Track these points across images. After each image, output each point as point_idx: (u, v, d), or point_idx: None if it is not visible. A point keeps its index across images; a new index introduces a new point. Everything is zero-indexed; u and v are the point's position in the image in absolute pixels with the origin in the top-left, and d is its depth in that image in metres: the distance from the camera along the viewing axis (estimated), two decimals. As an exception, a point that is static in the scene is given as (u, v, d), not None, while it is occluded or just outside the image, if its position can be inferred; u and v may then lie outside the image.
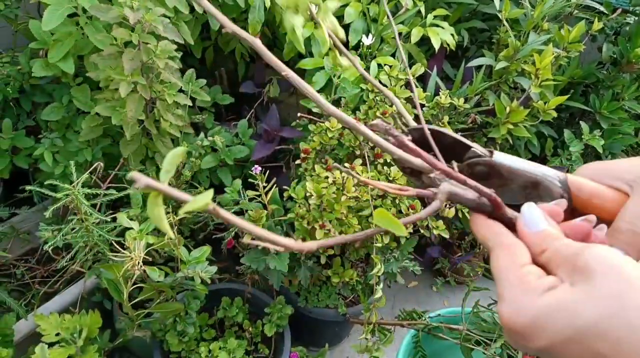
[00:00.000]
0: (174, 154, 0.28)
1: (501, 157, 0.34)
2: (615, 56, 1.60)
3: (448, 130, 0.35)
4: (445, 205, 1.15)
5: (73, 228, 0.86)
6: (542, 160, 1.60)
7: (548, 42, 1.34)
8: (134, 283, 0.89)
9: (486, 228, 0.31)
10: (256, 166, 0.98)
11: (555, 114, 1.33)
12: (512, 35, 1.34)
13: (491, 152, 0.34)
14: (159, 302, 0.93)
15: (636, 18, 1.56)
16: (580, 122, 1.51)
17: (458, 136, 0.35)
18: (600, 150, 1.48)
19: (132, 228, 0.85)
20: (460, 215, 1.20)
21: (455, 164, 0.34)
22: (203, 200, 0.24)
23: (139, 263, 0.81)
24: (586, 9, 1.56)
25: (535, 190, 0.34)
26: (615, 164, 0.35)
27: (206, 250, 0.97)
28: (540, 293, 0.27)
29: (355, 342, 1.09)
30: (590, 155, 1.65)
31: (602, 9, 1.53)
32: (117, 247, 0.83)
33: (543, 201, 0.33)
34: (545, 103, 1.32)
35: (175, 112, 1.08)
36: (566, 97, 1.35)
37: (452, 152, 0.34)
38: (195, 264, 0.90)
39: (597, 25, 1.43)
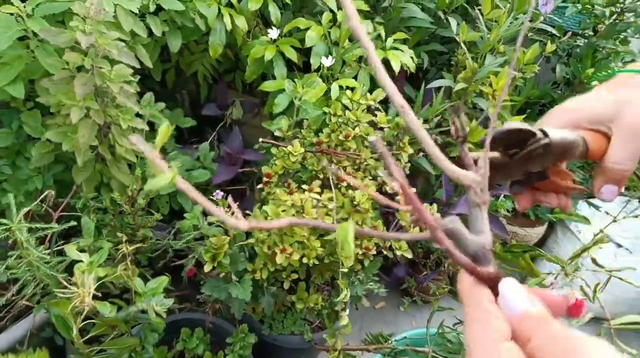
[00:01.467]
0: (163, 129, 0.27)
1: (553, 134, 0.38)
2: (568, 76, 1.67)
3: (518, 124, 0.39)
4: (410, 225, 1.15)
5: (19, 262, 0.81)
6: (502, 178, 1.63)
7: (504, 64, 1.39)
8: (86, 318, 0.84)
9: (465, 287, 0.28)
10: (218, 191, 0.96)
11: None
12: (470, 58, 1.38)
13: (545, 134, 0.38)
14: (112, 337, 0.88)
15: (585, 40, 1.63)
16: (537, 140, 1.56)
17: (520, 125, 0.39)
18: (557, 168, 1.52)
19: (81, 260, 0.81)
20: (424, 235, 1.21)
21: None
22: (167, 175, 0.23)
23: (88, 298, 0.77)
24: (540, 32, 1.62)
25: (563, 156, 0.40)
26: (589, 107, 0.42)
27: (163, 280, 0.93)
28: None
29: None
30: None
31: (554, 31, 1.59)
32: (64, 282, 0.79)
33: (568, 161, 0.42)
34: (502, 123, 1.35)
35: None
36: (522, 116, 1.39)
37: (517, 140, 0.38)
38: (151, 296, 0.86)
39: (550, 47, 1.48)
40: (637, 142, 0.41)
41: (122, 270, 0.85)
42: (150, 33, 1.12)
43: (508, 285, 0.27)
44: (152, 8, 1.05)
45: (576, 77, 1.64)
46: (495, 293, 0.27)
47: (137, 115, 1.12)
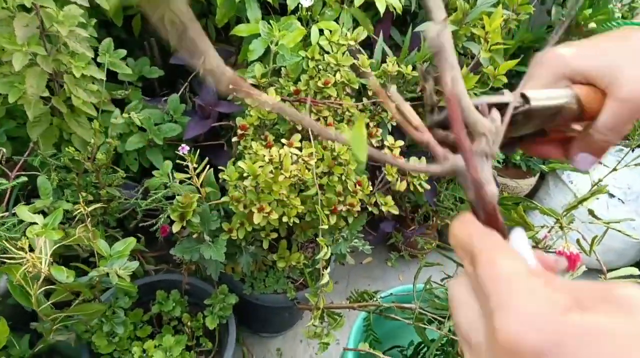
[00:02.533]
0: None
1: (535, 101, 0.33)
2: (564, 19, 1.57)
3: (488, 98, 0.31)
4: (397, 179, 1.09)
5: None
6: (493, 128, 1.56)
7: (497, 4, 1.28)
8: (52, 284, 0.78)
9: (476, 230, 0.24)
10: (183, 146, 0.87)
11: (505, 80, 1.28)
12: (461, -2, 1.27)
13: (525, 98, 0.33)
14: (77, 303, 0.82)
15: (584, -21, 1.52)
16: (531, 87, 1.48)
17: (492, 98, 0.31)
18: (551, 116, 1.45)
19: (35, 223, 0.74)
20: (411, 188, 1.15)
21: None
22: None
23: (42, 263, 0.70)
24: (535, -30, 1.50)
25: (557, 116, 0.35)
26: (585, 59, 0.36)
27: (131, 241, 0.86)
28: (565, 310, 0.20)
29: (309, 322, 1.03)
30: (540, 121, 1.63)
31: (550, -31, 1.48)
32: (8, 245, 0.72)
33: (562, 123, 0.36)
34: (495, 68, 1.26)
35: (88, 88, 0.94)
36: (516, 61, 1.30)
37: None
38: (116, 259, 0.80)
39: (547, -15, 1.38)
40: (628, 112, 0.35)
41: (82, 233, 0.78)
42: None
43: (521, 235, 0.25)
44: (103, -61, 0.92)
45: (572, 19, 1.54)
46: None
47: (97, 64, 1.02)
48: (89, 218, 0.79)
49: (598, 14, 1.50)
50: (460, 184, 0.26)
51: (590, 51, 0.37)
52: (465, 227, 0.25)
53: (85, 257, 0.99)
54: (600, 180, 0.87)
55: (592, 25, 1.54)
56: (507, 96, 0.32)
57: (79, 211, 0.79)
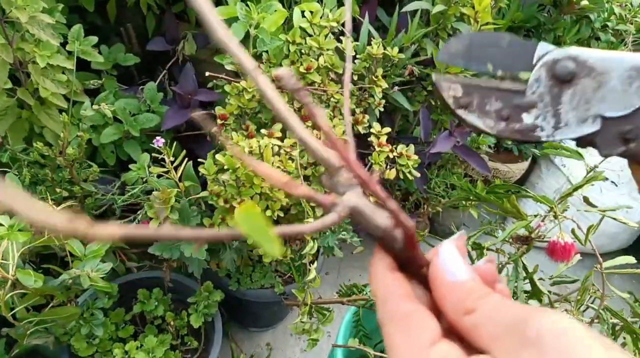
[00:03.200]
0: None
1: (579, 50, 0.24)
2: (556, -3, 1.52)
3: (494, 32, 0.26)
4: (386, 166, 1.05)
5: None
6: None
7: (488, -18, 1.23)
8: (23, 287, 0.74)
9: (380, 284, 0.23)
10: (158, 138, 0.82)
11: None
12: (450, -24, 1.22)
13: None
14: (51, 306, 0.78)
15: (577, -45, 1.47)
16: (523, 69, 1.44)
17: (512, 36, 0.25)
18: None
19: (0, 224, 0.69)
20: (401, 175, 1.11)
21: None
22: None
23: (12, 267, 0.66)
24: (526, -54, 1.45)
25: None
26: None
27: (107, 240, 0.82)
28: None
29: (297, 318, 1.00)
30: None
31: (542, -55, 1.43)
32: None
33: None
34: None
35: (56, 78, 0.89)
36: (507, 42, 1.25)
37: (513, 56, 0.25)
38: (91, 260, 0.76)
39: (538, -38, 1.33)
40: None
41: (52, 234, 0.74)
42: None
43: (448, 251, 0.23)
44: None
45: (565, -3, 1.49)
46: (414, 269, 0.24)
47: (69, 53, 0.96)
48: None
49: (590, -9, 1.45)
50: (359, 225, 0.23)
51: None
52: (374, 277, 0.24)
53: (63, 256, 0.95)
54: (596, 166, 0.84)
55: (585, 2, 1.49)
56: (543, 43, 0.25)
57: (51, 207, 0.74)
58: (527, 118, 0.25)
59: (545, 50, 0.25)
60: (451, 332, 0.21)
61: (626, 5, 1.65)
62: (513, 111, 0.25)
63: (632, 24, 1.66)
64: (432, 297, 0.23)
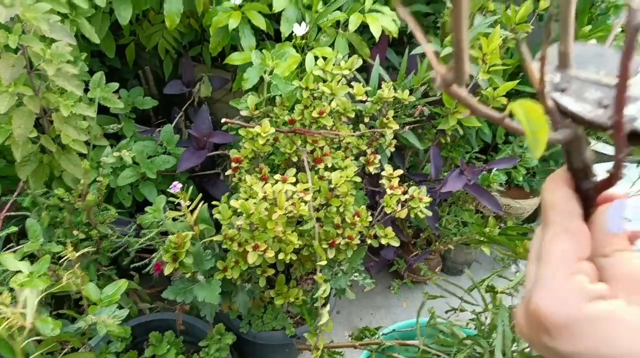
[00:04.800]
0: None
1: None
2: (563, 36, 1.55)
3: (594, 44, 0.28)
4: (398, 205, 1.05)
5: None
6: (494, 148, 1.53)
7: (495, 23, 1.26)
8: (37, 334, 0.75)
9: (561, 199, 0.27)
10: (175, 183, 0.85)
11: (505, 101, 1.25)
12: (458, 19, 1.25)
13: None
14: (65, 352, 0.79)
15: (582, -4, 1.50)
16: (532, 107, 1.45)
17: (616, 50, 0.27)
18: (553, 136, 1.42)
19: (20, 271, 0.71)
20: (412, 215, 1.12)
21: None
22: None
23: (30, 315, 0.67)
24: (532, -12, 1.49)
25: None
26: None
27: (122, 284, 0.83)
28: (591, 299, 0.25)
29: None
30: (543, 140, 1.59)
31: (548, -13, 1.46)
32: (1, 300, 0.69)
33: None
34: (494, 89, 1.24)
35: (78, 125, 0.92)
36: (516, 82, 1.27)
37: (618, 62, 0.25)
38: (106, 306, 0.77)
39: (544, 3, 1.36)
40: None
41: (69, 279, 0.75)
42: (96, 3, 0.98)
43: (616, 207, 0.27)
44: (91, -26, 0.91)
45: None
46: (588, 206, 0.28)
47: (90, 98, 1.00)
48: (77, 264, 0.76)
49: (597, 30, 1.47)
50: (570, 151, 0.26)
51: None
52: (554, 190, 0.28)
53: (77, 298, 0.96)
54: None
55: (593, 41, 1.51)
56: None
57: (66, 257, 0.76)
58: (628, 109, 0.25)
59: None
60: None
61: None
62: (614, 102, 0.25)
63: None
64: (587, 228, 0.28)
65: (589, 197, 0.27)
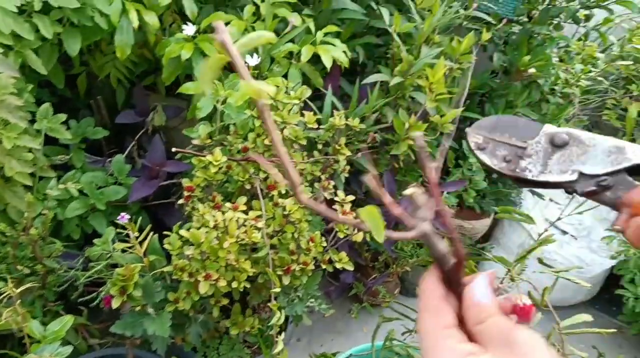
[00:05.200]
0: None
1: (577, 131, 0.35)
2: (505, 65, 1.64)
3: (516, 117, 0.36)
4: (354, 229, 1.07)
5: None
6: (444, 172, 1.59)
7: (440, 54, 1.33)
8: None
9: (428, 288, 0.32)
10: (122, 214, 0.83)
11: (452, 127, 1.31)
12: (405, 50, 1.31)
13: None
14: (6, 395, 0.75)
15: (521, 27, 1.61)
16: (479, 132, 1.52)
17: (528, 119, 0.37)
18: (499, 159, 1.49)
19: (-46, 312, 0.67)
20: (368, 238, 1.14)
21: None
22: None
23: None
24: (475, 20, 1.58)
25: (621, 154, 0.34)
26: None
27: (68, 320, 0.80)
28: (463, 356, 0.28)
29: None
30: (491, 163, 1.67)
31: (489, 19, 1.56)
32: None
33: (632, 163, 0.33)
34: (441, 116, 1.30)
35: (22, 157, 0.90)
36: (461, 109, 1.34)
37: (525, 130, 0.36)
38: (50, 343, 0.74)
39: (486, 35, 1.44)
40: None
41: (10, 316, 0.72)
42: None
43: (482, 280, 0.32)
44: (37, 6, 0.90)
45: (513, 65, 1.61)
46: (454, 289, 0.32)
47: (37, 130, 0.98)
48: (18, 301, 0.73)
49: (536, 60, 1.58)
50: (427, 245, 0.31)
51: None
52: (425, 278, 0.33)
53: (20, 337, 0.92)
54: (552, 223, 0.88)
55: (532, 70, 1.61)
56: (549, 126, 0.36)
57: (6, 293, 0.73)
58: (522, 163, 0.36)
59: (549, 128, 0.35)
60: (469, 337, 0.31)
61: (571, 70, 1.79)
62: (514, 157, 0.36)
63: (577, 87, 1.79)
64: (461, 307, 0.32)
65: (454, 278, 0.32)
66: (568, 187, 0.36)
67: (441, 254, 0.31)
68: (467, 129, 0.37)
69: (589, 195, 0.35)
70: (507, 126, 0.36)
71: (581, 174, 0.35)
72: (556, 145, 0.35)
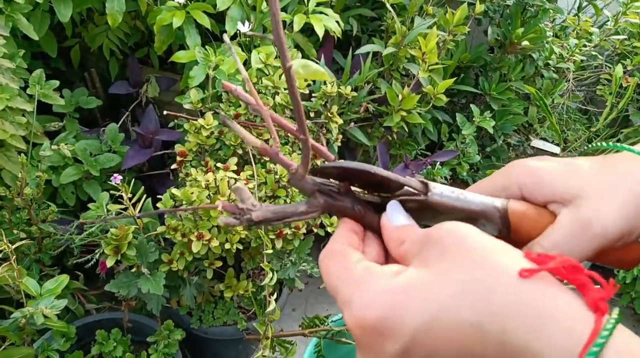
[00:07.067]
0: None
1: (436, 196, 0.31)
2: (500, 38, 1.64)
3: (375, 169, 0.30)
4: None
5: None
6: (440, 146, 1.60)
7: (433, 26, 1.33)
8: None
9: (332, 239, 0.30)
10: (116, 175, 0.84)
11: (445, 99, 1.32)
12: (398, 22, 1.31)
13: (426, 186, 0.31)
14: (4, 348, 0.76)
15: (515, 0, 1.61)
16: (471, 105, 1.53)
17: (389, 174, 0.31)
18: (492, 131, 1.50)
19: (-50, 265, 0.69)
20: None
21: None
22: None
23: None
24: (469, -7, 1.57)
25: (475, 223, 0.30)
26: (551, 178, 0.31)
27: (63, 279, 0.82)
28: (389, 278, 0.25)
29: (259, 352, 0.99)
30: (484, 137, 1.68)
31: (484, -8, 1.55)
32: None
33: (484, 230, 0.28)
34: (434, 87, 1.30)
35: (16, 120, 0.91)
36: (453, 79, 1.34)
37: (383, 186, 0.32)
38: (45, 299, 0.75)
39: (480, 7, 1.44)
40: (584, 240, 0.29)
41: (6, 272, 0.74)
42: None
43: (393, 205, 0.31)
44: (27, -31, 0.90)
45: (507, 39, 1.61)
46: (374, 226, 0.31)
47: (29, 95, 0.98)
48: (13, 256, 0.74)
49: (530, 32, 1.57)
50: (332, 212, 0.31)
51: (562, 169, 0.32)
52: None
53: (19, 299, 0.93)
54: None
55: (526, 43, 1.61)
56: (412, 181, 0.31)
57: (2, 249, 0.74)
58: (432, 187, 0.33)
59: (406, 191, 0.32)
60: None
61: (565, 45, 1.79)
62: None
63: (573, 62, 1.79)
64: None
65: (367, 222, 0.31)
66: None
67: (351, 209, 0.30)
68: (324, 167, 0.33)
69: None
70: (362, 179, 0.32)
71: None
72: (410, 209, 0.32)
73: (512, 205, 0.31)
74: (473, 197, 0.31)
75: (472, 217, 0.31)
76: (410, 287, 0.24)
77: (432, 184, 0.31)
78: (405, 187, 0.31)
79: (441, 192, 0.31)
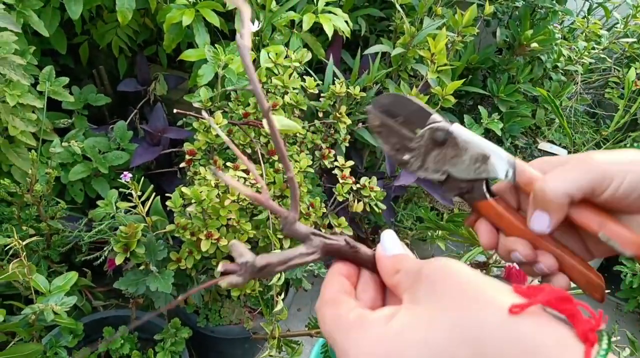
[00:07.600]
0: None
1: (458, 128, 0.36)
2: (508, 40, 1.64)
3: (413, 97, 0.37)
4: (354, 199, 1.08)
5: None
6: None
7: (442, 26, 1.33)
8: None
9: (324, 285, 0.30)
10: (125, 173, 0.84)
11: (453, 100, 1.31)
12: (407, 22, 1.31)
13: (451, 123, 0.37)
14: (13, 344, 0.77)
15: (524, 1, 1.60)
16: (479, 106, 1.52)
17: (421, 104, 0.37)
18: (500, 133, 1.49)
19: (-39, 261, 0.69)
20: (368, 208, 1.15)
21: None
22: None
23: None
24: (478, -6, 1.57)
25: (484, 164, 0.36)
26: (560, 160, 0.36)
27: (72, 276, 0.82)
28: (383, 324, 0.25)
29: (266, 352, 0.99)
30: (492, 139, 1.67)
31: (493, -6, 1.55)
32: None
33: (489, 176, 0.36)
34: (443, 89, 1.30)
35: (26, 117, 0.91)
36: (462, 81, 1.33)
37: (416, 117, 0.37)
38: (55, 295, 0.75)
39: (489, 8, 1.43)
40: (582, 171, 0.33)
41: (16, 268, 0.74)
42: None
43: (389, 234, 0.32)
44: (39, -34, 0.90)
45: (516, 40, 1.61)
46: (369, 264, 0.31)
47: (39, 92, 0.99)
48: (24, 253, 0.74)
49: (539, 34, 1.57)
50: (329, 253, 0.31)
51: (572, 159, 0.35)
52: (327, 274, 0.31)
53: (27, 295, 0.94)
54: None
55: (534, 45, 1.61)
56: (437, 115, 0.37)
57: (13, 245, 0.74)
58: (407, 156, 0.38)
59: (434, 120, 0.37)
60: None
61: (574, 48, 1.78)
62: (402, 147, 0.38)
63: (582, 65, 1.78)
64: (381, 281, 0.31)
65: (359, 260, 0.32)
66: (439, 186, 0.39)
67: (343, 248, 0.31)
68: (368, 108, 0.38)
69: (452, 195, 0.38)
70: (402, 108, 0.38)
71: (449, 176, 0.37)
72: (435, 142, 0.37)
73: (519, 160, 0.36)
74: (487, 142, 0.37)
75: (484, 155, 0.36)
76: (403, 331, 0.24)
77: (455, 124, 0.37)
78: (432, 117, 0.37)
79: (462, 128, 0.36)
